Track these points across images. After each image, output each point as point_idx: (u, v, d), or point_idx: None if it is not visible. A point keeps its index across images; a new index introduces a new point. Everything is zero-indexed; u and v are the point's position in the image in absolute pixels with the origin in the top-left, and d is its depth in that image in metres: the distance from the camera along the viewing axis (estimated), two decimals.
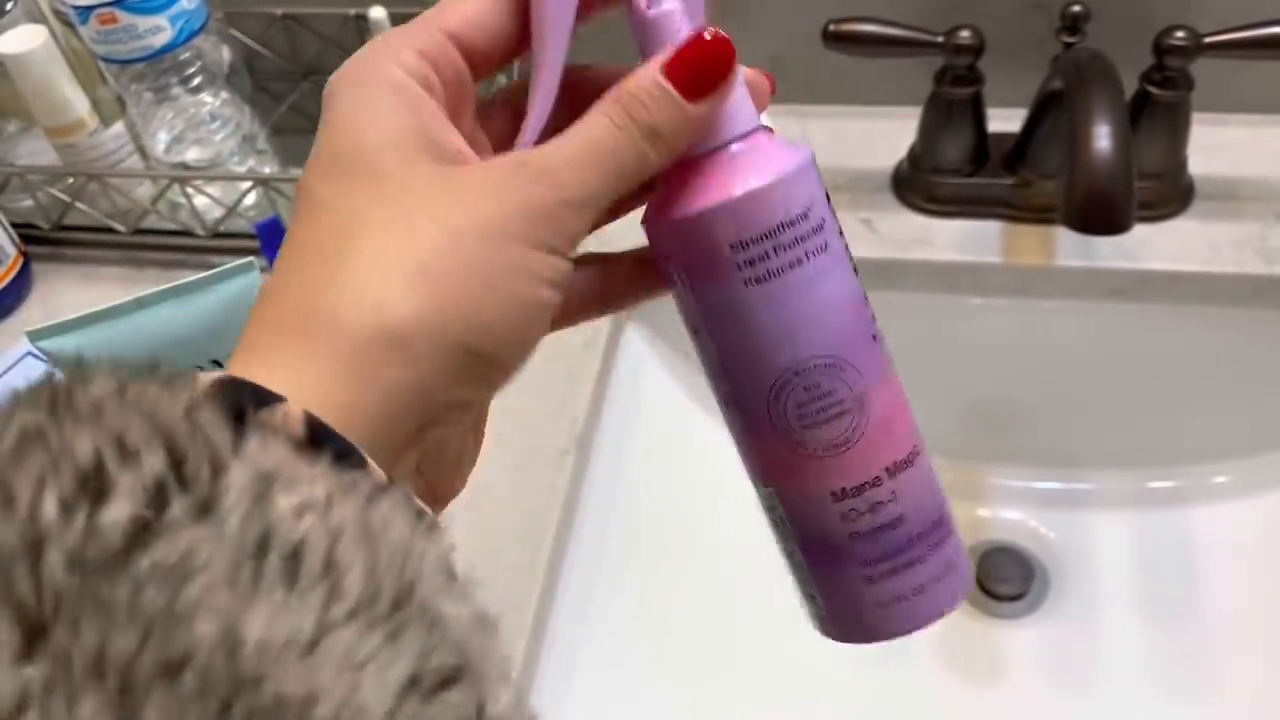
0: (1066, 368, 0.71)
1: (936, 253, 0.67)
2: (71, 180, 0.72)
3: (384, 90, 0.23)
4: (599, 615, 0.60)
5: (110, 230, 0.72)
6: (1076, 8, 0.61)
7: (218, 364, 0.46)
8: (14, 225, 0.72)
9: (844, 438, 0.27)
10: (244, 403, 0.19)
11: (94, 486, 0.17)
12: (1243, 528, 0.68)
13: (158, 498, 0.17)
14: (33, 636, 0.16)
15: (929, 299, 0.69)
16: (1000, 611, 0.68)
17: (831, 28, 0.63)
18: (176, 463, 0.18)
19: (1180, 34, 0.60)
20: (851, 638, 0.30)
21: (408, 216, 0.22)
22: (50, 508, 0.17)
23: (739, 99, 0.26)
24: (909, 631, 0.29)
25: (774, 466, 0.29)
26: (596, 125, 0.23)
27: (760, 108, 0.27)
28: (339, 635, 0.17)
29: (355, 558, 0.18)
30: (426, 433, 0.23)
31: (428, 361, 0.21)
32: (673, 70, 0.24)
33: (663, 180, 0.26)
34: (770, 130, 0.27)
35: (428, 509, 0.21)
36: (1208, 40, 0.59)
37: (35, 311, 0.72)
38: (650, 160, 0.24)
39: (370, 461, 0.20)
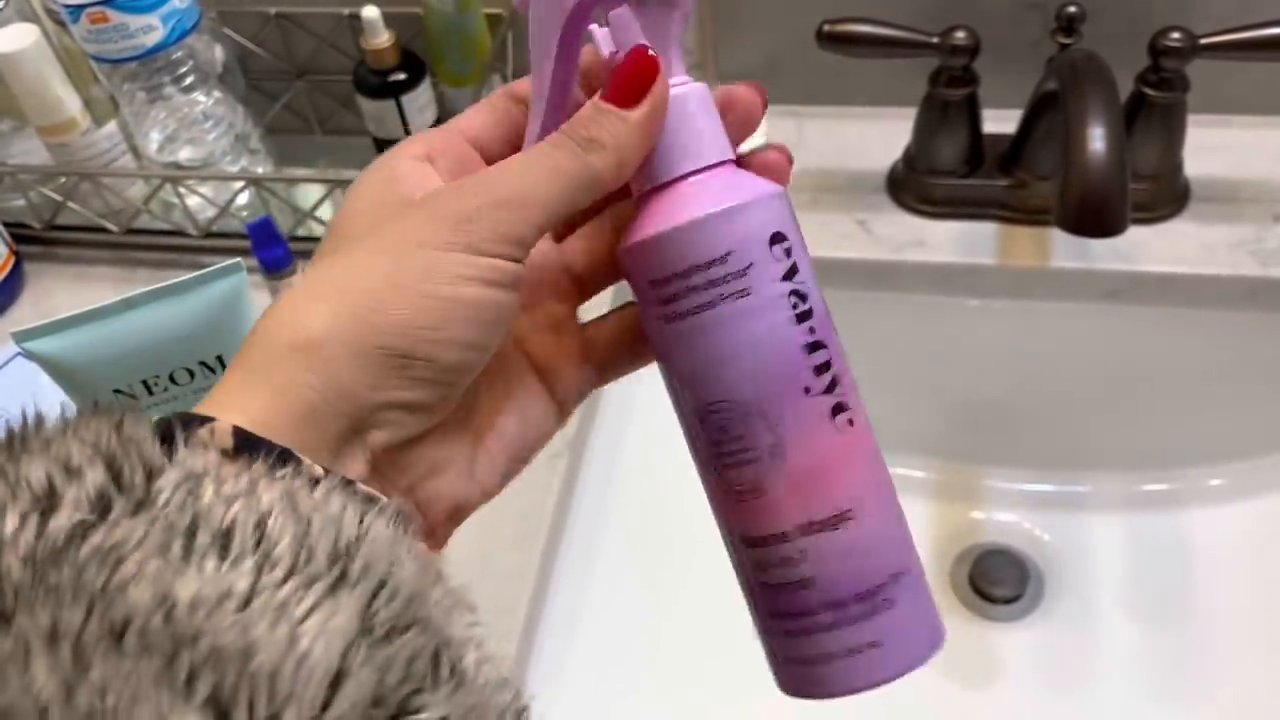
0: (1061, 369, 0.71)
1: (931, 254, 0.67)
2: (64, 180, 0.71)
3: (378, 172, 0.27)
4: (590, 617, 0.60)
5: (102, 230, 0.72)
6: (1072, 9, 0.61)
7: (204, 365, 0.45)
8: (6, 225, 0.72)
9: (752, 485, 0.27)
10: (174, 427, 0.22)
11: (46, 503, 0.20)
12: (1237, 530, 0.68)
13: (100, 504, 0.20)
14: None
15: (924, 300, 0.69)
16: (995, 614, 0.68)
17: (826, 28, 0.62)
18: (115, 475, 0.20)
19: (1176, 35, 0.59)
20: (779, 685, 0.29)
21: (347, 254, 0.25)
22: (10, 524, 0.19)
23: (701, 132, 0.27)
24: (821, 696, 0.27)
25: (710, 495, 0.28)
26: (536, 147, 0.26)
27: (748, 128, 0.28)
28: (272, 594, 0.19)
29: (285, 530, 0.20)
30: (366, 435, 0.24)
31: (340, 363, 0.23)
32: (608, 93, 0.26)
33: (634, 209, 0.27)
34: (734, 164, 0.27)
35: (380, 495, 0.23)
36: (1203, 41, 0.59)
37: (26, 311, 0.72)
38: (595, 166, 0.25)
39: (304, 459, 0.22)
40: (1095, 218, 0.52)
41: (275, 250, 0.62)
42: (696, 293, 0.26)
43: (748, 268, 0.26)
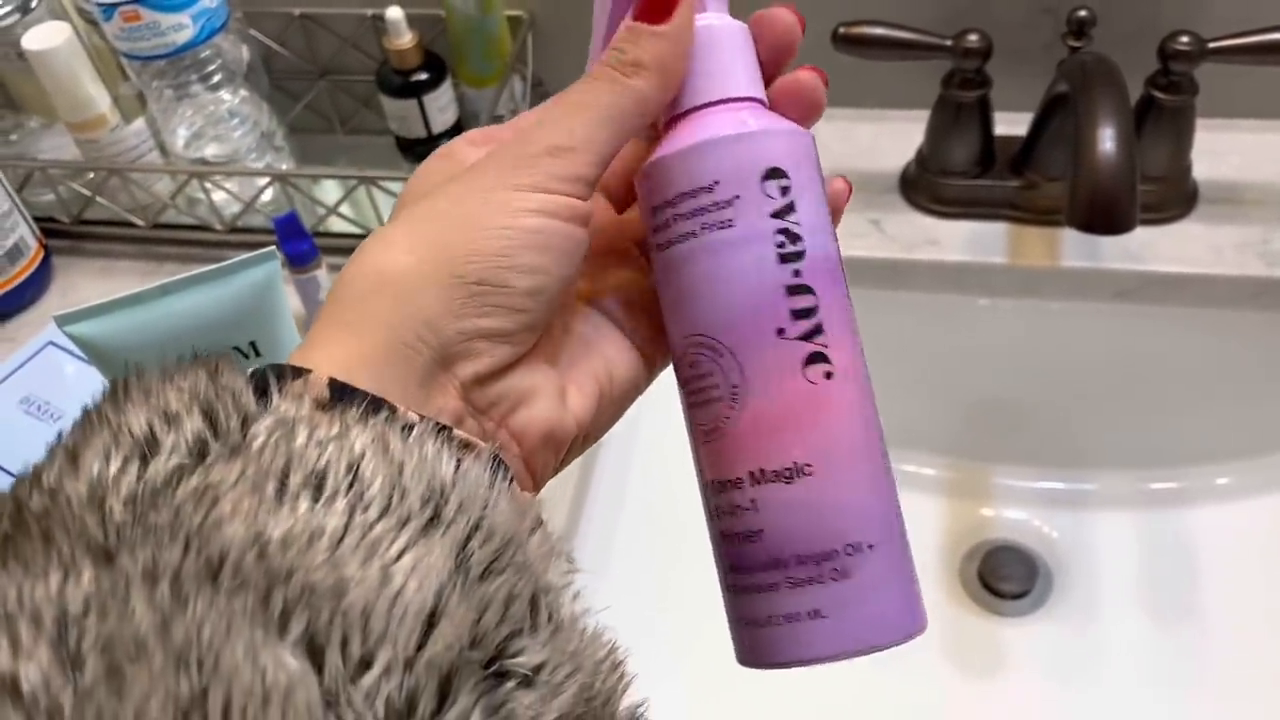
0: (1071, 368, 0.72)
1: (943, 253, 0.68)
2: (92, 175, 0.73)
3: (438, 158, 0.28)
4: (606, 603, 0.61)
5: (129, 224, 0.74)
6: (1083, 13, 0.62)
7: (239, 350, 0.47)
8: (35, 219, 0.74)
9: (713, 425, 0.26)
10: (269, 377, 0.22)
11: (146, 449, 0.21)
12: (1245, 528, 0.69)
13: (197, 448, 0.21)
14: (101, 563, 0.19)
15: (935, 299, 0.70)
16: (1003, 610, 0.69)
17: (841, 30, 0.64)
18: (211, 422, 0.21)
19: (1185, 39, 0.60)
20: (735, 653, 0.27)
21: (413, 209, 0.26)
22: (113, 468, 0.20)
23: (727, 66, 0.27)
24: (763, 665, 0.26)
25: (690, 440, 0.28)
26: (578, 83, 0.26)
27: (787, 52, 0.28)
28: (364, 533, 0.20)
29: (378, 472, 0.21)
30: (454, 367, 0.24)
31: (421, 296, 0.24)
32: (636, 9, 0.26)
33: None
34: (759, 102, 0.27)
35: (474, 439, 0.23)
36: (1212, 45, 0.60)
37: (54, 303, 0.73)
38: (641, 89, 0.26)
39: (398, 406, 0.22)
40: (1105, 215, 0.53)
41: (301, 244, 0.63)
42: (682, 220, 0.26)
43: (733, 199, 0.26)
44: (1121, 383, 0.71)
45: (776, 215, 0.26)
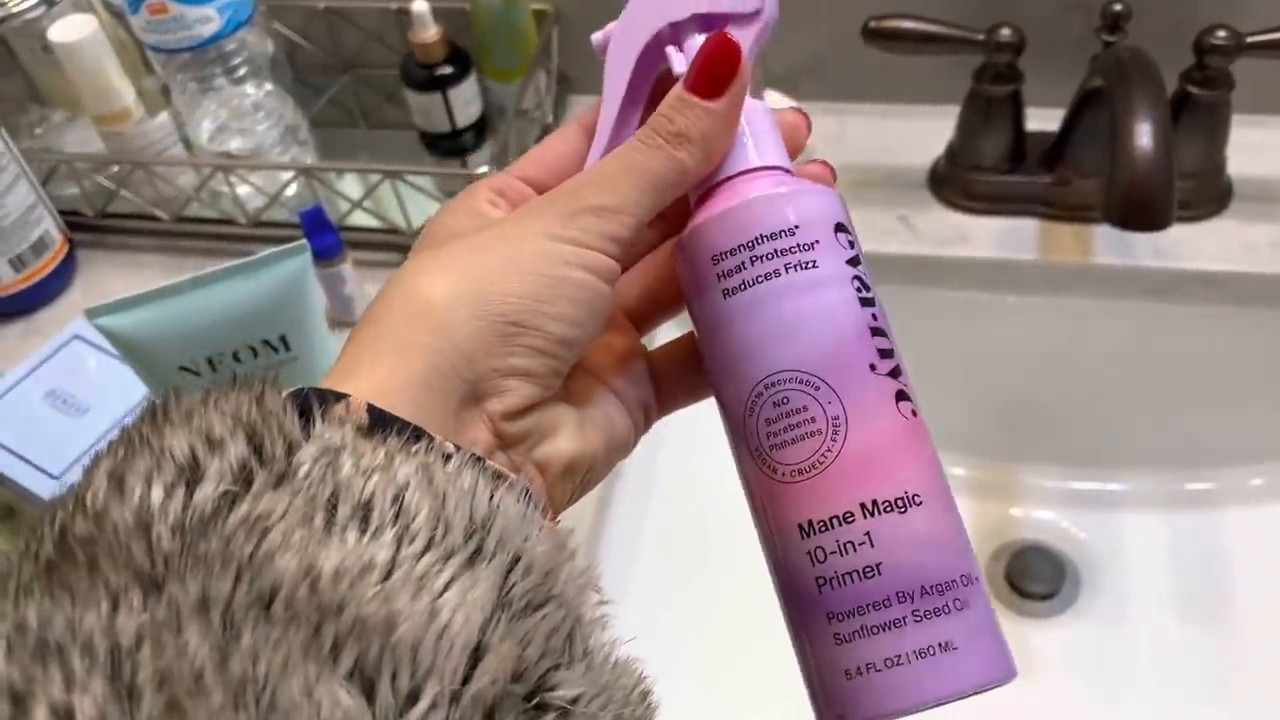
0: (1102, 367, 0.71)
1: (973, 250, 0.68)
2: (117, 168, 0.73)
3: (461, 203, 0.29)
4: (628, 615, 0.61)
5: (153, 218, 0.73)
6: (1117, 6, 0.61)
7: (268, 344, 0.46)
8: (60, 212, 0.74)
9: (812, 460, 0.25)
10: (311, 401, 0.22)
11: (190, 474, 0.21)
12: (1278, 530, 0.68)
13: (243, 475, 0.21)
14: (150, 591, 0.19)
15: (965, 296, 0.69)
16: (1031, 610, 0.68)
17: (872, 25, 0.63)
18: (256, 447, 0.21)
19: (1221, 33, 0.60)
20: (834, 712, 0.26)
21: (455, 244, 0.26)
22: (157, 494, 0.20)
23: (762, 138, 0.28)
24: (886, 714, 0.25)
25: (756, 495, 0.27)
26: (626, 146, 0.27)
27: (796, 147, 0.29)
28: (412, 566, 0.20)
29: (422, 503, 0.21)
30: (485, 403, 0.25)
31: (460, 328, 0.24)
32: (690, 81, 0.27)
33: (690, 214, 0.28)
34: (790, 172, 0.28)
35: (505, 470, 0.23)
36: (1249, 40, 0.60)
37: (79, 297, 0.73)
38: (685, 162, 0.26)
39: (435, 436, 0.23)
40: (1141, 211, 0.53)
41: (326, 238, 0.63)
42: (763, 261, 0.26)
43: (814, 243, 0.26)
44: (1153, 382, 0.70)
45: (850, 263, 0.27)
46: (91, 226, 0.76)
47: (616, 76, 0.29)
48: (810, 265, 0.26)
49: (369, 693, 0.18)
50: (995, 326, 0.71)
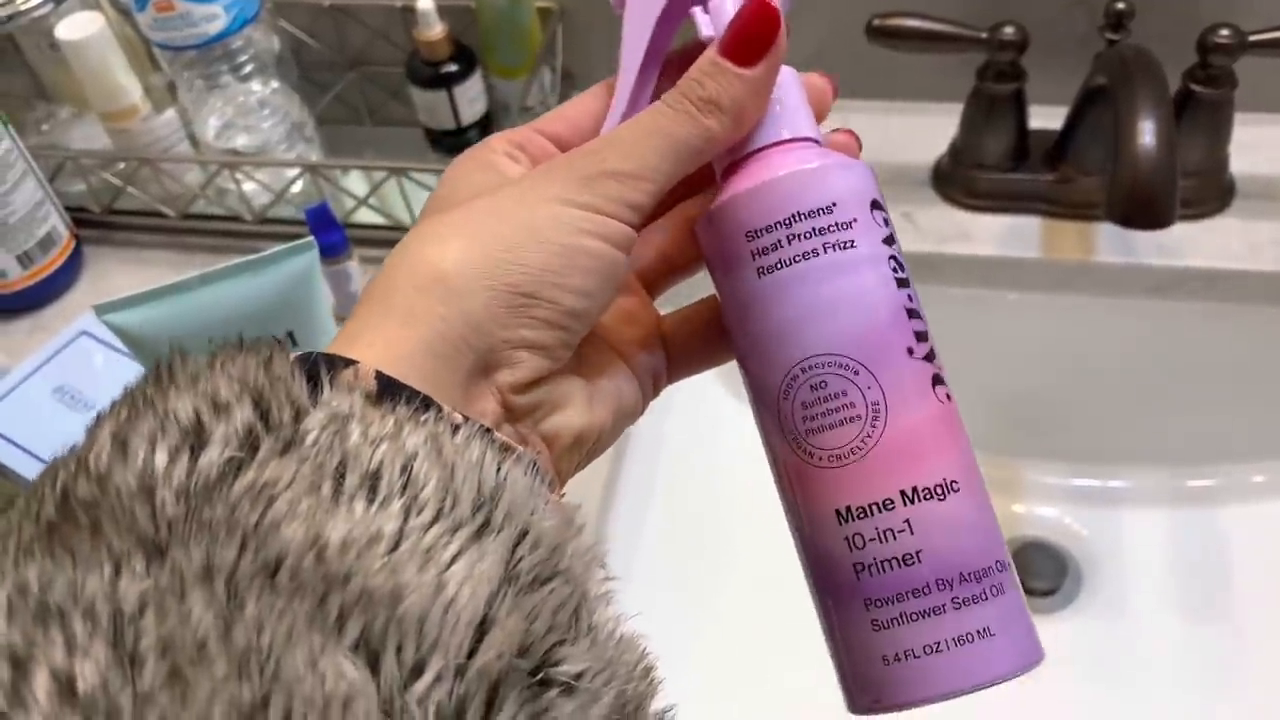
0: (1104, 364, 0.71)
1: (976, 247, 0.68)
2: (123, 165, 0.73)
3: (473, 158, 0.28)
4: (634, 600, 0.61)
5: (159, 215, 0.74)
6: (1120, 4, 0.61)
7: (277, 340, 0.47)
8: (66, 208, 0.74)
9: (850, 446, 0.25)
10: (319, 367, 0.22)
11: (194, 438, 0.20)
12: (1279, 527, 0.68)
13: (249, 441, 0.20)
14: (153, 557, 0.19)
15: (968, 293, 0.69)
16: (1033, 606, 0.67)
17: (875, 22, 0.63)
18: (263, 413, 0.21)
19: (1225, 32, 0.60)
20: (859, 704, 0.26)
21: (468, 207, 0.25)
22: (161, 458, 0.20)
23: (794, 108, 0.27)
24: (922, 700, 0.25)
25: (788, 478, 0.27)
26: (651, 109, 0.26)
27: (822, 113, 0.28)
28: (420, 537, 0.20)
29: (431, 474, 0.20)
30: (494, 374, 0.24)
31: (472, 296, 0.23)
32: (725, 45, 0.25)
33: (717, 184, 0.27)
34: (820, 144, 0.27)
35: (513, 443, 0.23)
36: (1252, 38, 0.60)
37: (86, 293, 0.73)
38: (713, 130, 0.25)
39: (443, 406, 0.22)
40: (1145, 209, 0.53)
41: (332, 235, 0.63)
42: (800, 240, 0.25)
43: (852, 221, 0.25)
44: (1155, 379, 0.71)
45: (885, 242, 0.26)
46: (98, 223, 0.76)
47: (635, 36, 0.28)
48: (849, 245, 0.25)
49: (374, 665, 0.18)
50: (997, 324, 0.71)
